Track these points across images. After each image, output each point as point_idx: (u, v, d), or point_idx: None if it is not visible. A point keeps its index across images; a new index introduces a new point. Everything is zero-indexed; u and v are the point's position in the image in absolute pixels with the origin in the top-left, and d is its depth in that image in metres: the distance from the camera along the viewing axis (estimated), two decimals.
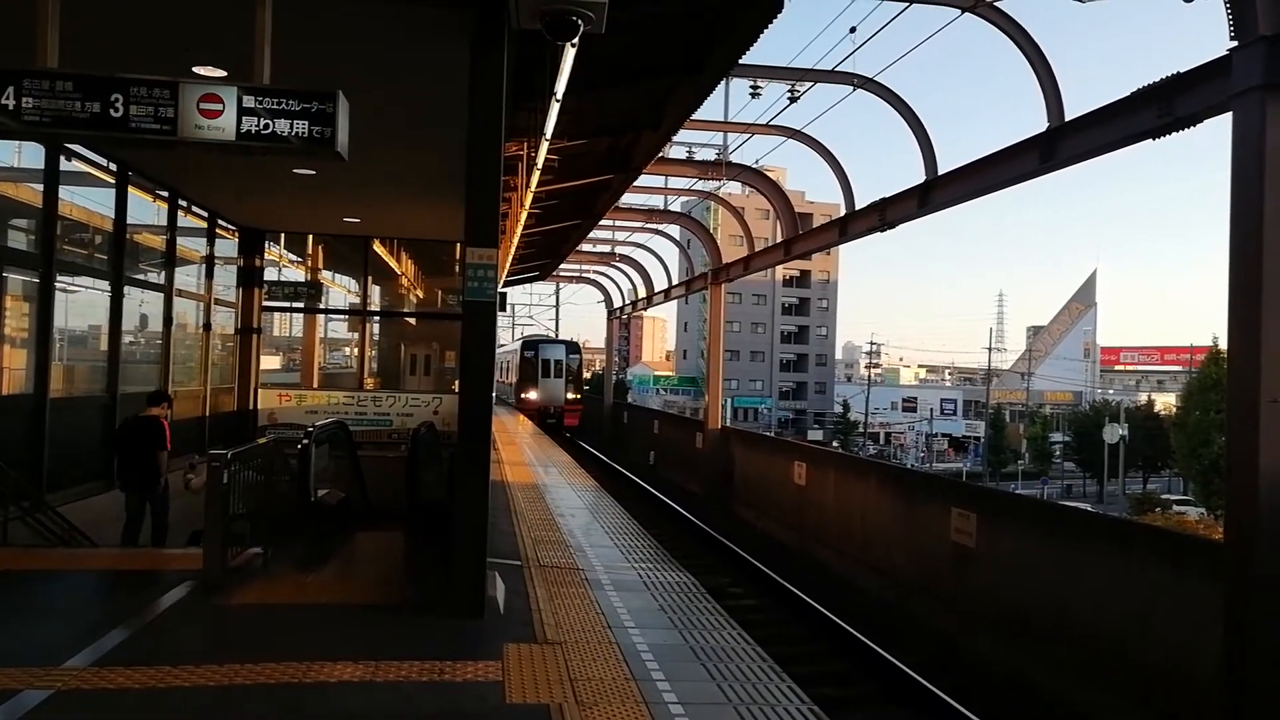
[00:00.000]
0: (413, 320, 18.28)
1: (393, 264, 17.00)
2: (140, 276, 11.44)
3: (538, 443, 19.79)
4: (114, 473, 8.81)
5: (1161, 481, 62.15)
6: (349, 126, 5.20)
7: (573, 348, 36.93)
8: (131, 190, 10.52)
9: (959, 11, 9.90)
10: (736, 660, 5.27)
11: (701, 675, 5.00)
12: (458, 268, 14.56)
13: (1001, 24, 9.87)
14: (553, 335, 54.66)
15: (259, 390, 14.46)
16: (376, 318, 16.81)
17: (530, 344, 36.89)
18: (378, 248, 15.70)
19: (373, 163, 9.42)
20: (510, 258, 20.28)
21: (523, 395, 34.85)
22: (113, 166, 10.13)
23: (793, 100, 14.28)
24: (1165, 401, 66.94)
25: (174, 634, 5.53)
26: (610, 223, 24.37)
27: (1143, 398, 72.69)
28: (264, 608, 6.16)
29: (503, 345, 48.33)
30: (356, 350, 16.39)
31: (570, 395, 35.15)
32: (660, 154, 15.56)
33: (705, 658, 5.31)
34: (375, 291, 16.97)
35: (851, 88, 13.12)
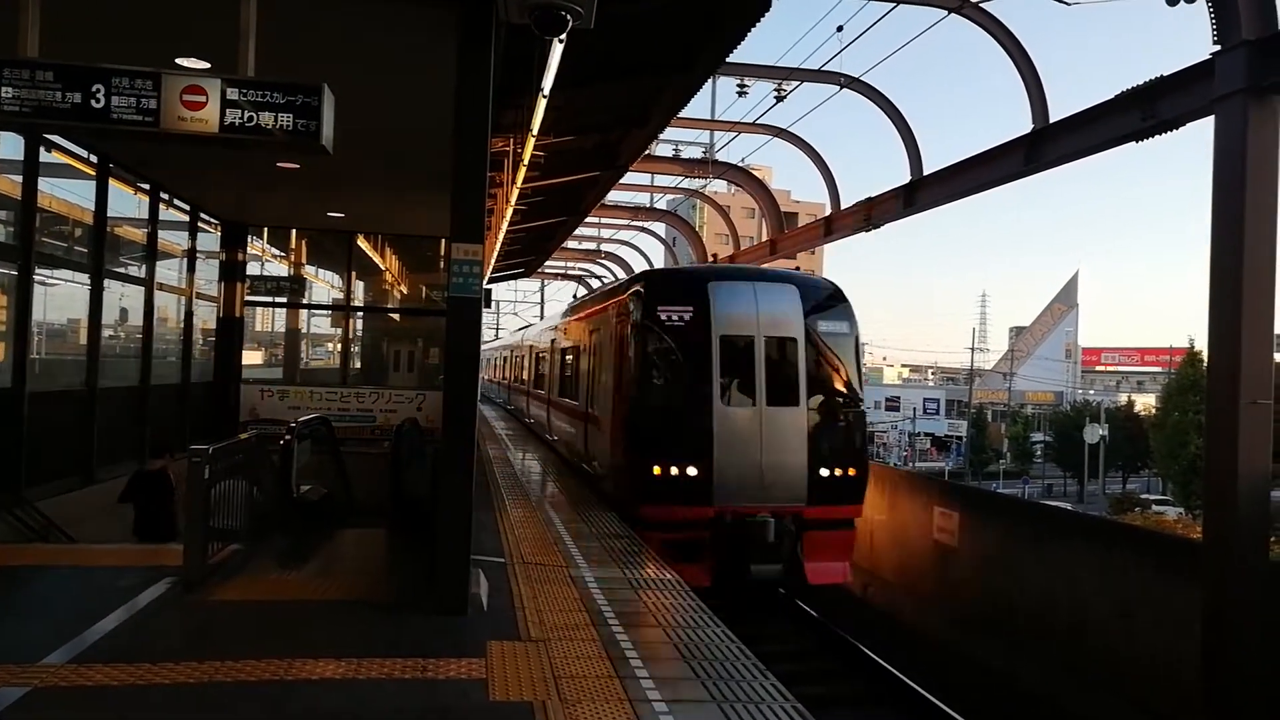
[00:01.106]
0: (397, 316, 18.17)
1: (377, 259, 16.90)
2: (121, 270, 11.32)
3: (523, 445, 19.70)
4: (131, 527, 8.96)
5: (1141, 481, 62.72)
6: (334, 120, 5.16)
7: (825, 297, 11.21)
8: (112, 183, 10.39)
9: (945, 12, 9.95)
10: (721, 659, 5.27)
11: (686, 673, 5.00)
12: (443, 263, 14.49)
13: (987, 25, 9.93)
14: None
15: (241, 385, 14.34)
16: (360, 313, 16.71)
17: (680, 283, 11.40)
18: (362, 242, 15.59)
19: (358, 157, 9.33)
20: (495, 254, 20.21)
21: (658, 464, 10.12)
22: (93, 159, 10.01)
23: (779, 99, 14.31)
24: (1145, 402, 67.54)
25: (153, 631, 5.47)
26: (596, 220, 24.35)
27: (1123, 398, 73.27)
28: (245, 604, 6.12)
29: (493, 335, 35.84)
30: (339, 346, 16.29)
31: (842, 471, 10.46)
32: (647, 151, 15.55)
33: (689, 655, 5.31)
34: (359, 287, 16.86)
35: (838, 87, 13.17)
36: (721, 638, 5.69)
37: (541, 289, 56.24)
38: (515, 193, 12.90)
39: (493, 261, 21.53)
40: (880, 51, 11.43)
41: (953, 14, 9.95)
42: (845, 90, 13.14)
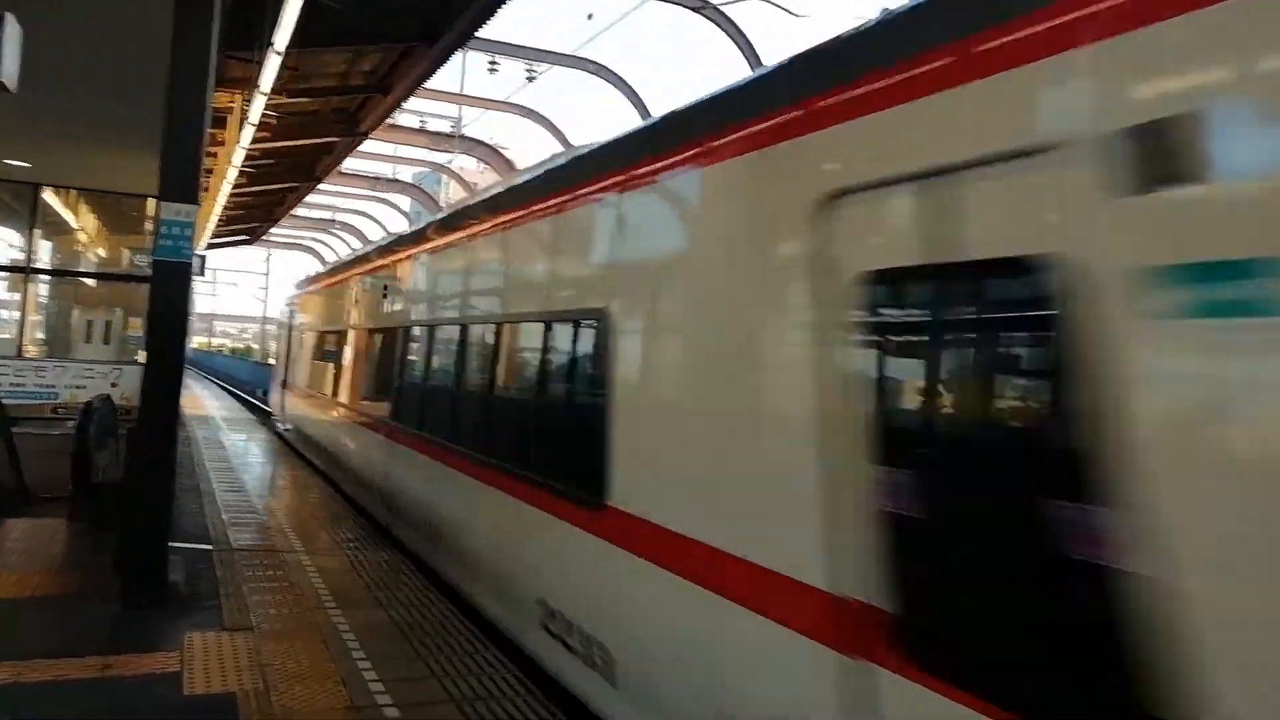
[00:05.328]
0: (92, 281, 16.13)
1: (69, 217, 14.90)
2: None
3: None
4: None
5: None
6: (20, 54, 4.52)
7: None
8: None
9: (690, 10, 10.58)
10: (445, 635, 5.26)
11: (407, 651, 4.94)
12: (151, 225, 13.10)
13: (725, 27, 10.67)
14: None
15: None
16: (45, 276, 14.68)
17: None
18: (51, 196, 13.69)
19: (52, 99, 8.21)
20: (214, 218, 18.56)
21: None
22: None
23: (530, 80, 14.42)
24: None
25: None
26: (333, 188, 23.08)
27: None
28: None
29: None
30: (18, 313, 14.18)
31: None
32: (390, 120, 14.98)
33: (411, 634, 5.24)
34: (45, 247, 14.79)
35: (588, 73, 13.48)
36: (446, 614, 5.68)
37: (268, 259, 52.60)
38: (240, 154, 11.92)
39: (210, 226, 19.74)
40: (632, 43, 11.86)
41: (695, 12, 10.58)
42: (595, 78, 13.47)
